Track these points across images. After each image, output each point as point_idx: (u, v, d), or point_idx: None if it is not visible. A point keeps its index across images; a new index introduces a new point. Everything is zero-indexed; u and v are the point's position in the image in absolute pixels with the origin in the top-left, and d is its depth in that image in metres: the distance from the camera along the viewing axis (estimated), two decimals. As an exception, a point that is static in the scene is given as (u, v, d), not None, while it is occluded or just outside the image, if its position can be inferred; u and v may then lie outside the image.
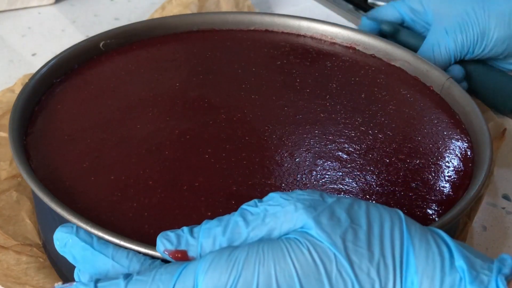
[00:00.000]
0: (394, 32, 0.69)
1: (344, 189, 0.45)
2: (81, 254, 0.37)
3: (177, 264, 0.35)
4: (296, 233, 0.34)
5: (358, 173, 0.47)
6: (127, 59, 0.59)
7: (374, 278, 0.33)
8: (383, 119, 0.53)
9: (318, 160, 0.48)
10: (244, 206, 0.36)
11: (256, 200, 0.36)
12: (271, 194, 0.36)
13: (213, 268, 0.33)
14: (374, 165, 0.48)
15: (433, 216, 0.44)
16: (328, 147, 0.49)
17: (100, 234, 0.38)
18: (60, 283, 0.37)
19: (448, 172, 0.48)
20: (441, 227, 0.39)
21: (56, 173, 0.45)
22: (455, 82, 0.56)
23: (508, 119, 0.67)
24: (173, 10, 0.77)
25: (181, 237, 0.36)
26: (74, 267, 0.38)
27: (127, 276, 0.35)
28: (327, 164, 0.47)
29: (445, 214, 0.43)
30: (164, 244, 0.35)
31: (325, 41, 0.64)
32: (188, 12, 0.76)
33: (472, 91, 0.67)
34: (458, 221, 0.51)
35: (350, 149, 0.49)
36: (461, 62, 0.66)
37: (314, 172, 0.46)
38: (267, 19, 0.65)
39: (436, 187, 0.46)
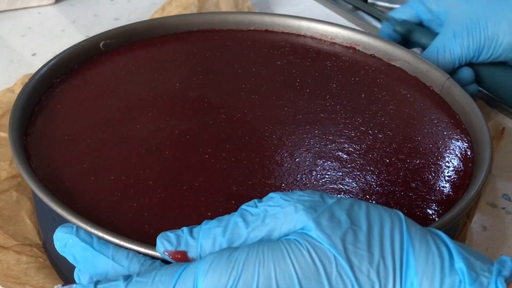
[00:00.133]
0: (407, 33, 0.68)
1: (344, 189, 0.45)
2: (81, 254, 0.37)
3: (177, 265, 0.35)
4: (296, 234, 0.34)
5: (358, 173, 0.47)
6: (127, 59, 0.59)
7: (374, 279, 0.33)
8: (383, 119, 0.53)
9: (318, 160, 0.48)
10: (243, 206, 0.36)
11: (255, 200, 0.36)
12: (271, 194, 0.36)
13: (213, 269, 0.33)
14: (374, 165, 0.48)
15: (433, 216, 0.44)
16: (328, 147, 0.49)
17: (100, 234, 0.38)
18: (60, 285, 0.37)
19: (448, 172, 0.48)
20: (441, 227, 0.39)
21: (56, 173, 0.45)
22: (455, 82, 0.56)
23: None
24: (173, 11, 0.77)
25: (180, 237, 0.36)
26: (74, 267, 0.38)
27: (127, 278, 0.35)
28: (327, 164, 0.47)
29: (445, 214, 0.43)
30: (164, 244, 0.35)
31: (325, 41, 0.64)
32: (188, 12, 0.76)
33: (490, 92, 0.67)
34: (458, 221, 0.51)
35: (350, 149, 0.49)
36: (475, 64, 0.65)
37: (314, 172, 0.46)
38: (267, 19, 0.65)
39: (436, 187, 0.46)
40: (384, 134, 0.51)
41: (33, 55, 0.75)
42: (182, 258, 0.35)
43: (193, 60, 0.60)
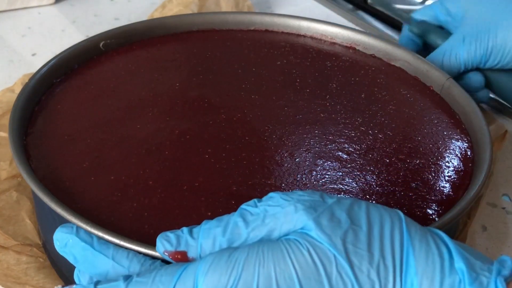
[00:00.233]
0: (422, 34, 0.67)
1: (344, 189, 0.45)
2: (82, 254, 0.37)
3: (177, 265, 0.35)
4: (296, 234, 0.34)
5: (358, 173, 0.47)
6: (127, 59, 0.59)
7: (374, 279, 0.33)
8: (383, 119, 0.53)
9: (318, 160, 0.48)
10: (243, 206, 0.36)
11: (255, 200, 0.36)
12: (271, 194, 0.36)
13: (213, 269, 0.33)
14: (374, 165, 0.48)
15: (433, 216, 0.44)
16: (328, 147, 0.49)
17: (100, 234, 0.38)
18: (60, 285, 0.37)
19: (448, 172, 0.48)
20: (441, 227, 0.39)
21: (56, 173, 0.45)
22: (455, 82, 0.56)
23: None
24: (174, 9, 0.77)
25: (180, 237, 0.35)
26: (74, 267, 0.38)
27: (127, 278, 0.35)
28: (327, 164, 0.47)
29: (445, 214, 0.43)
30: (164, 245, 0.35)
31: (325, 41, 0.64)
32: (189, 11, 0.76)
33: (502, 98, 0.66)
34: (458, 221, 0.51)
35: (350, 149, 0.49)
36: (486, 69, 0.63)
37: (314, 172, 0.46)
38: (267, 19, 0.65)
39: (436, 187, 0.46)
40: (384, 134, 0.51)
41: (33, 55, 0.75)
42: (182, 258, 0.35)
43: (193, 60, 0.60)
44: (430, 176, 0.47)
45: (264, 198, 0.36)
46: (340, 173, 0.46)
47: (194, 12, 0.76)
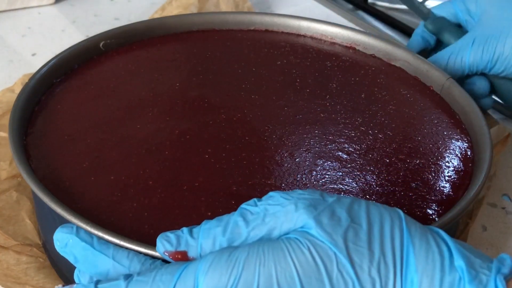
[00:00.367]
0: (437, 31, 0.65)
1: (344, 189, 0.45)
2: (82, 254, 0.37)
3: (178, 264, 0.35)
4: (296, 232, 0.34)
5: (358, 173, 0.47)
6: (127, 59, 0.59)
7: (375, 277, 0.33)
8: (383, 119, 0.53)
9: (318, 160, 0.48)
10: (243, 205, 0.36)
11: (255, 199, 0.36)
12: (271, 193, 0.36)
13: (213, 268, 0.33)
14: (374, 165, 0.48)
15: (433, 216, 0.44)
16: (328, 147, 0.49)
17: (100, 234, 0.38)
18: (60, 285, 0.37)
19: (448, 172, 0.48)
20: (441, 227, 0.39)
21: (56, 173, 0.45)
22: (455, 82, 0.56)
23: None
24: (173, 11, 0.77)
25: (180, 238, 0.35)
26: (74, 267, 0.38)
27: (128, 277, 0.35)
28: (327, 164, 0.47)
29: (445, 214, 0.43)
30: (164, 245, 0.35)
31: (325, 41, 0.64)
32: (188, 13, 0.76)
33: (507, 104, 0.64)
34: (458, 221, 0.51)
35: (350, 149, 0.49)
36: (493, 76, 0.61)
37: (314, 172, 0.46)
38: (267, 19, 0.65)
39: (436, 187, 0.46)
40: (384, 134, 0.51)
41: (33, 55, 0.75)
42: (182, 258, 0.35)
43: (193, 60, 0.60)
44: (430, 176, 0.47)
45: (264, 197, 0.36)
46: (340, 173, 0.46)
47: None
